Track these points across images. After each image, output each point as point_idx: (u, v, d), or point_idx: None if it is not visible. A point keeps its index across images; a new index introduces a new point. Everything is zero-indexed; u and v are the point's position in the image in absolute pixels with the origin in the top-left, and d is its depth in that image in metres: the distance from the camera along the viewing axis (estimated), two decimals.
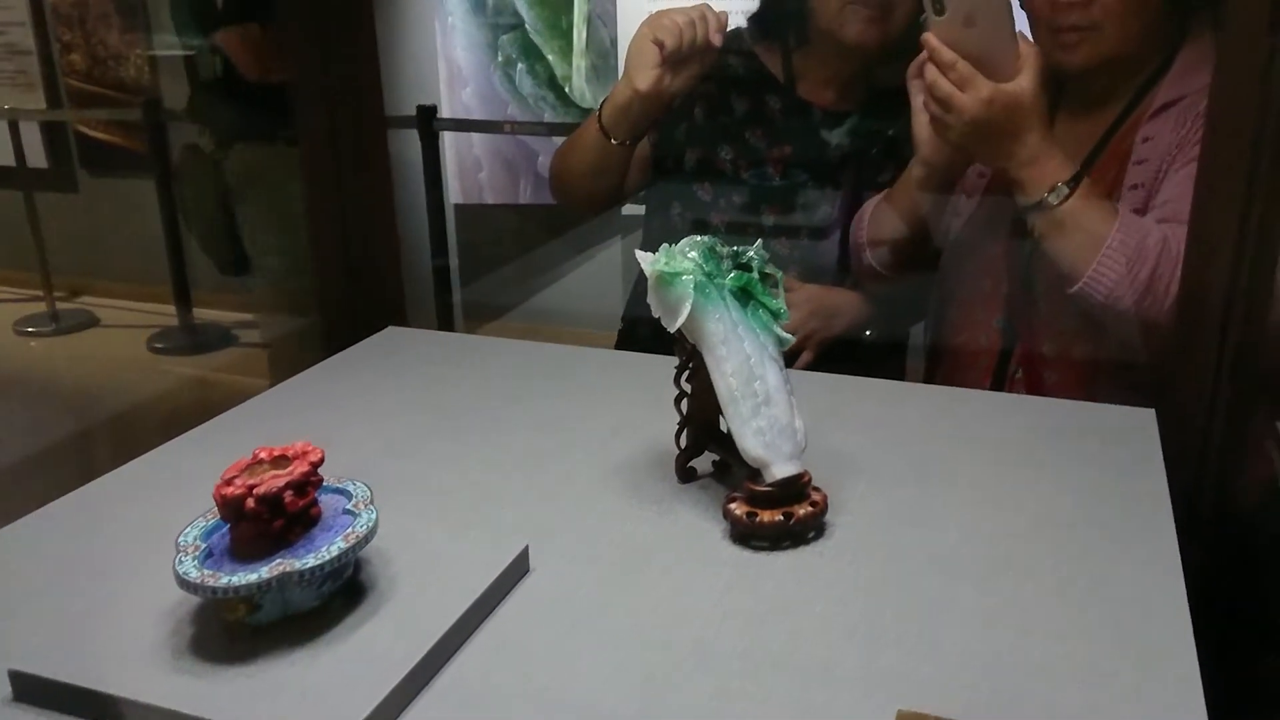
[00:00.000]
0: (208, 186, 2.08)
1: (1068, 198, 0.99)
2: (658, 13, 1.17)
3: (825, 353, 1.30)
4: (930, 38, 0.98)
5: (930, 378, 1.27)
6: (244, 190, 2.05)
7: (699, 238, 0.77)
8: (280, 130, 1.88)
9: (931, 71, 0.98)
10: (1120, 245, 0.98)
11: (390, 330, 1.25)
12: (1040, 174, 0.99)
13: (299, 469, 0.63)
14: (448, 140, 2.68)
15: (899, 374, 1.38)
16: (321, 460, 0.65)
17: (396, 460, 0.89)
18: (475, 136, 2.72)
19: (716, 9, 1.18)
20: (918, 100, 1.05)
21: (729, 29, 1.22)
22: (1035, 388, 1.13)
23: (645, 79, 1.17)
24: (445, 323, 2.27)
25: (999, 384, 1.17)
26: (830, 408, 0.98)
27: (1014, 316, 1.16)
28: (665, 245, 0.76)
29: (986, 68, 0.97)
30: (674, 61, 1.17)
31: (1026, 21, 1.08)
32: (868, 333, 1.33)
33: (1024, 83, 0.97)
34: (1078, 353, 1.10)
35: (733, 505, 0.76)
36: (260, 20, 1.94)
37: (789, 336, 0.77)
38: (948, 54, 0.97)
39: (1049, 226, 1.01)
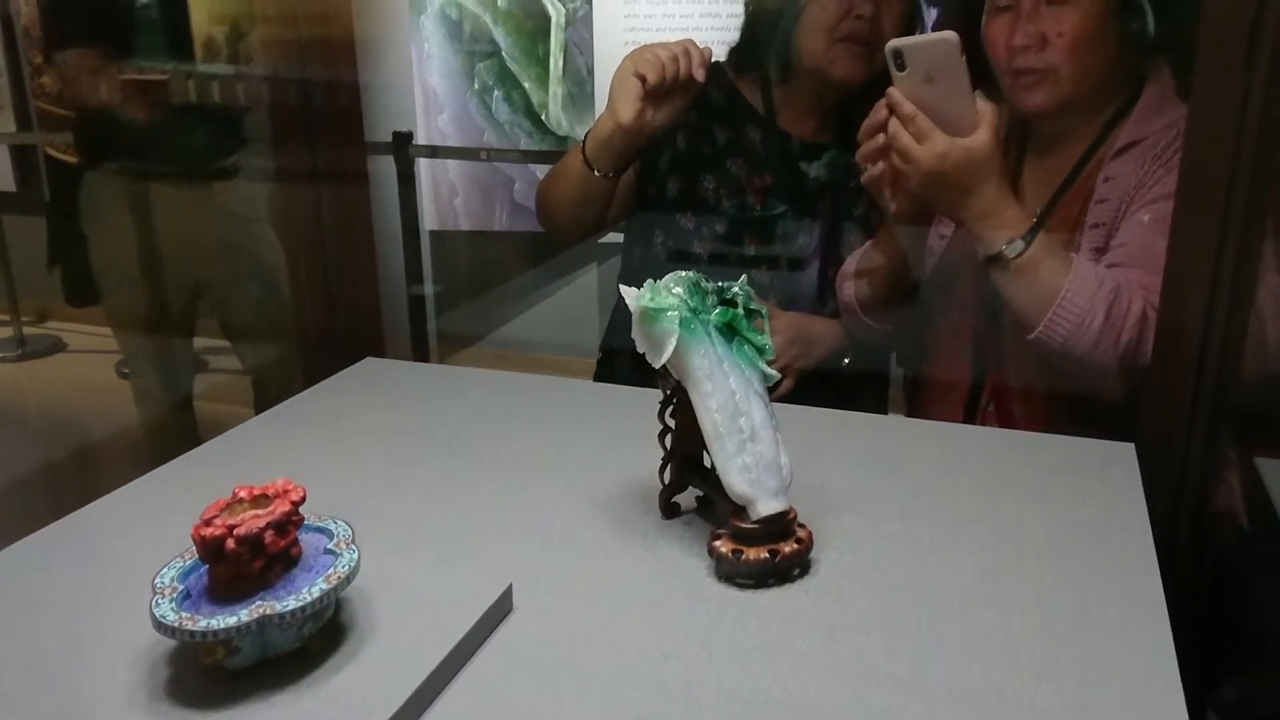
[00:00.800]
0: (71, 211, 2.04)
1: (1023, 251, 1.01)
2: (641, 47, 1.18)
3: (805, 381, 1.30)
4: (893, 92, 1.00)
5: (911, 408, 1.28)
6: (95, 217, 2.00)
7: (684, 273, 0.77)
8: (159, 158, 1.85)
9: (894, 124, 1.00)
10: (1073, 296, 1.00)
11: (369, 361, 1.24)
12: (996, 227, 1.02)
13: (280, 508, 0.62)
14: (423, 166, 2.68)
15: (881, 403, 1.38)
16: (303, 499, 0.64)
17: (377, 495, 0.88)
18: (451, 163, 2.72)
19: (700, 45, 1.19)
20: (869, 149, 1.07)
21: (711, 61, 1.23)
22: (1006, 421, 1.15)
23: (627, 112, 1.17)
24: (420, 351, 2.26)
25: (970, 416, 1.18)
26: (814, 442, 0.98)
27: (983, 351, 1.18)
28: (650, 280, 0.76)
29: (945, 123, 0.99)
30: (656, 96, 1.18)
31: (991, 66, 1.11)
32: (845, 360, 1.34)
33: (980, 138, 0.99)
34: (1046, 387, 1.11)
35: (718, 542, 0.75)
36: (99, 44, 1.90)
37: (774, 373, 0.77)
38: (908, 107, 0.99)
39: (1005, 277, 1.03)
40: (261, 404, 1.65)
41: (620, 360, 1.41)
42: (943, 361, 1.21)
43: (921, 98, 0.99)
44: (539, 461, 0.95)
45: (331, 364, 1.22)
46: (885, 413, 1.36)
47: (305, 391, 1.14)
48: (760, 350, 0.77)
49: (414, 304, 2.36)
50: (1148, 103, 1.09)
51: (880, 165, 1.03)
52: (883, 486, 0.90)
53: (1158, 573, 0.75)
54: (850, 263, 1.26)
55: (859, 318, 1.25)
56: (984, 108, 0.99)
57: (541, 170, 2.59)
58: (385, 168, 2.36)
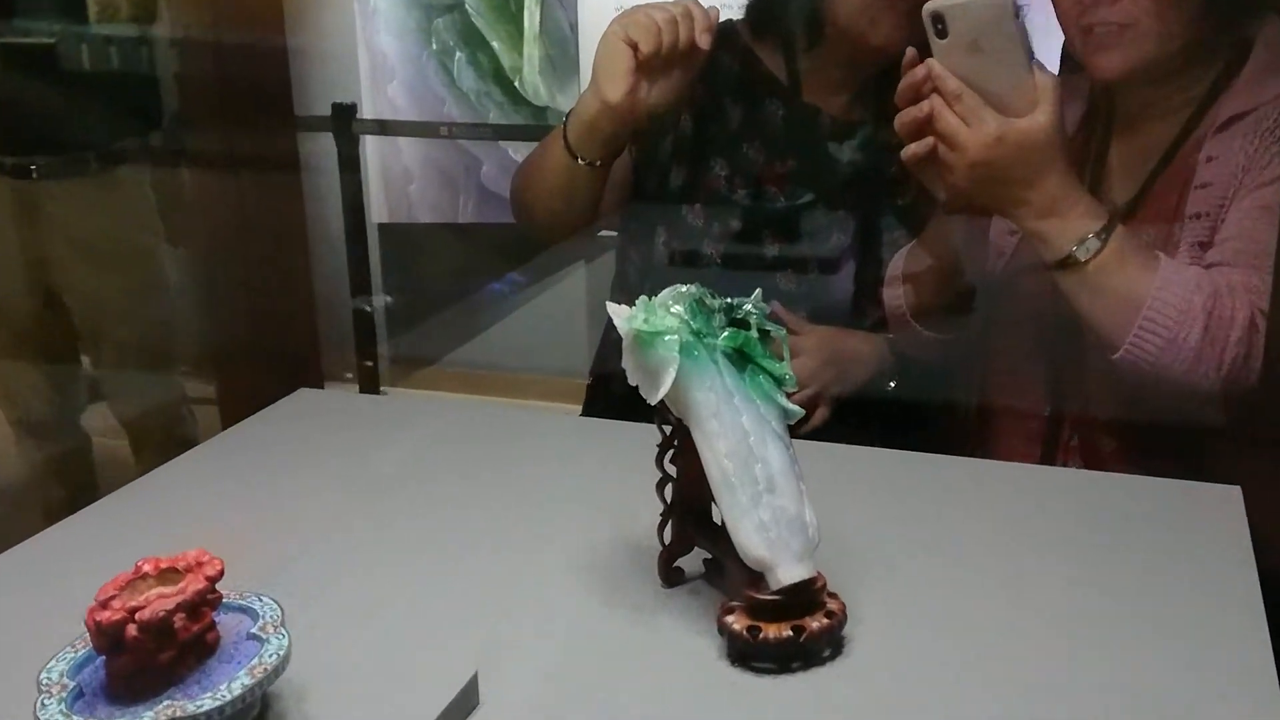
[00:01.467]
0: None
1: (1098, 252, 1.02)
2: (632, 8, 1.18)
3: (841, 411, 1.31)
4: (934, 64, 1.00)
5: (974, 444, 1.29)
6: None
7: (684, 287, 0.78)
8: None
9: (936, 103, 1.01)
10: (1163, 305, 1.00)
11: (303, 393, 1.25)
12: (1063, 226, 1.02)
13: (192, 586, 0.63)
14: (370, 146, 2.69)
15: (936, 439, 1.39)
16: (221, 574, 0.65)
17: (313, 562, 0.89)
18: (404, 142, 2.73)
19: (705, 4, 1.20)
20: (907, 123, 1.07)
21: (722, 20, 1.24)
22: (1092, 457, 1.15)
23: (616, 89, 1.18)
24: (368, 377, 2.27)
25: (1050, 453, 1.18)
26: (851, 489, 0.99)
27: (1064, 372, 1.19)
28: (644, 298, 0.77)
29: (997, 100, 1.00)
30: (652, 68, 1.19)
31: (1058, 23, 1.12)
32: (891, 384, 1.35)
33: (1040, 118, 0.99)
34: (1139, 417, 1.12)
35: (730, 617, 0.76)
36: None
37: (797, 409, 0.78)
38: (952, 82, 1.00)
39: (1078, 287, 1.04)
40: (164, 449, 1.65)
41: (616, 388, 1.42)
42: (1014, 386, 1.21)
43: (968, 70, 0.99)
44: (513, 516, 0.96)
45: (257, 397, 1.23)
46: (942, 450, 1.37)
47: (224, 432, 1.16)
48: (779, 380, 0.78)
49: (360, 318, 2.37)
50: (1256, 68, 1.10)
51: (927, 142, 1.03)
52: (937, 545, 0.91)
53: (1268, 647, 0.76)
54: (895, 264, 1.27)
55: (908, 327, 1.25)
56: (1043, 81, 1.00)
57: (516, 150, 2.61)
58: (322, 149, 2.37)
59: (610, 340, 1.46)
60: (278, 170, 1.56)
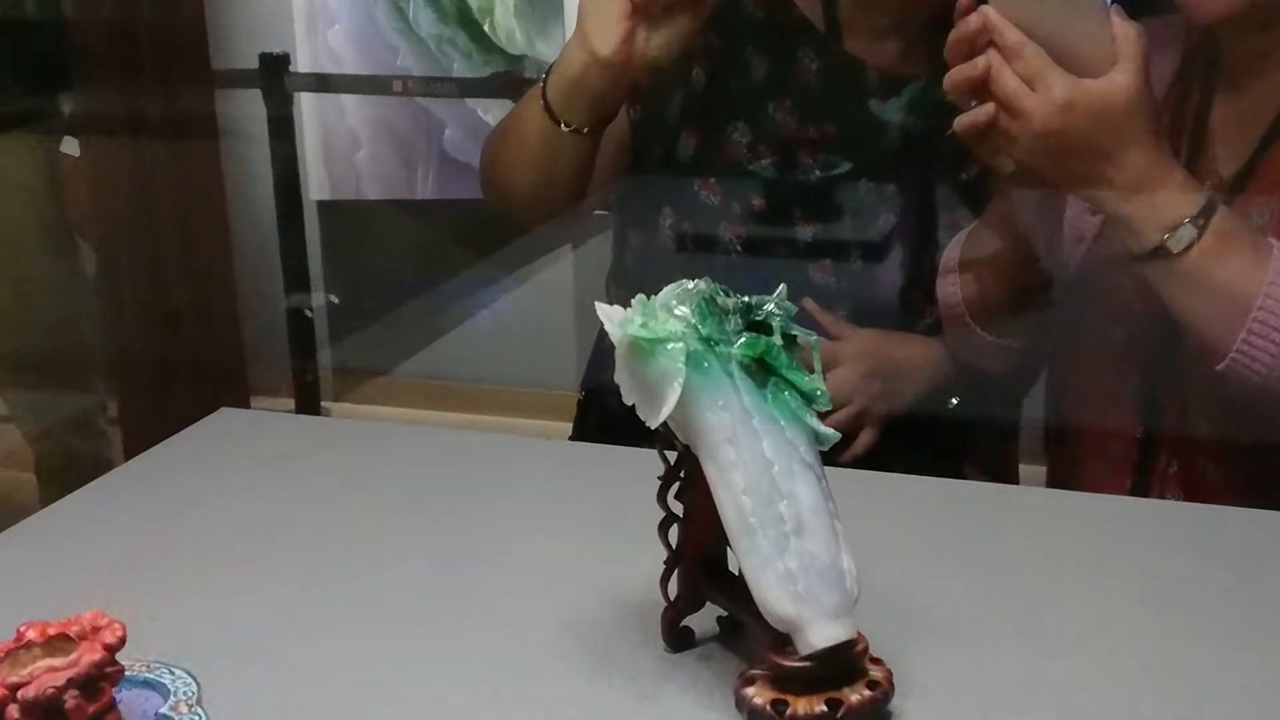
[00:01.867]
0: None
1: (1196, 240, 1.02)
2: None
3: (891, 433, 1.32)
4: (990, 12, 1.01)
5: (1054, 473, 1.29)
6: None
7: (691, 283, 0.78)
8: None
9: (994, 58, 1.01)
10: (1277, 306, 1.01)
11: (224, 413, 1.26)
12: (1151, 209, 1.03)
13: (87, 656, 0.63)
14: (307, 106, 2.70)
15: (1006, 465, 1.40)
16: (122, 641, 0.65)
17: (236, 624, 0.89)
18: (349, 100, 2.74)
19: None
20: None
21: None
22: (1194, 487, 1.16)
23: (608, 40, 1.18)
24: (306, 390, 2.28)
25: (1143, 483, 1.19)
26: (897, 529, 0.99)
27: (1160, 386, 1.19)
28: (641, 297, 0.77)
29: (1067, 57, 1.00)
30: (651, 11, 1.19)
31: None
32: (953, 401, 1.35)
33: (1119, 78, 1.00)
34: (1251, 439, 1.12)
35: (750, 690, 0.76)
36: None
37: (832, 433, 0.78)
38: (1013, 34, 1.00)
39: (1172, 283, 1.04)
40: (62, 483, 1.66)
41: (613, 404, 1.42)
42: (1098, 402, 1.21)
43: (1032, 20, 1.00)
44: (482, 566, 0.96)
45: (168, 417, 1.23)
46: (1015, 480, 1.37)
47: (128, 463, 1.16)
48: (808, 397, 0.78)
49: (296, 319, 2.38)
50: None
51: (985, 108, 1.03)
52: (1006, 597, 0.91)
53: None
54: (951, 251, 1.28)
55: (967, 330, 1.26)
56: (1124, 32, 1.00)
57: (486, 110, 2.62)
58: (247, 110, 2.38)
59: (605, 347, 1.46)
60: (192, 137, 1.56)
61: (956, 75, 1.04)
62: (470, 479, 1.11)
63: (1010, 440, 1.41)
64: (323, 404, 2.52)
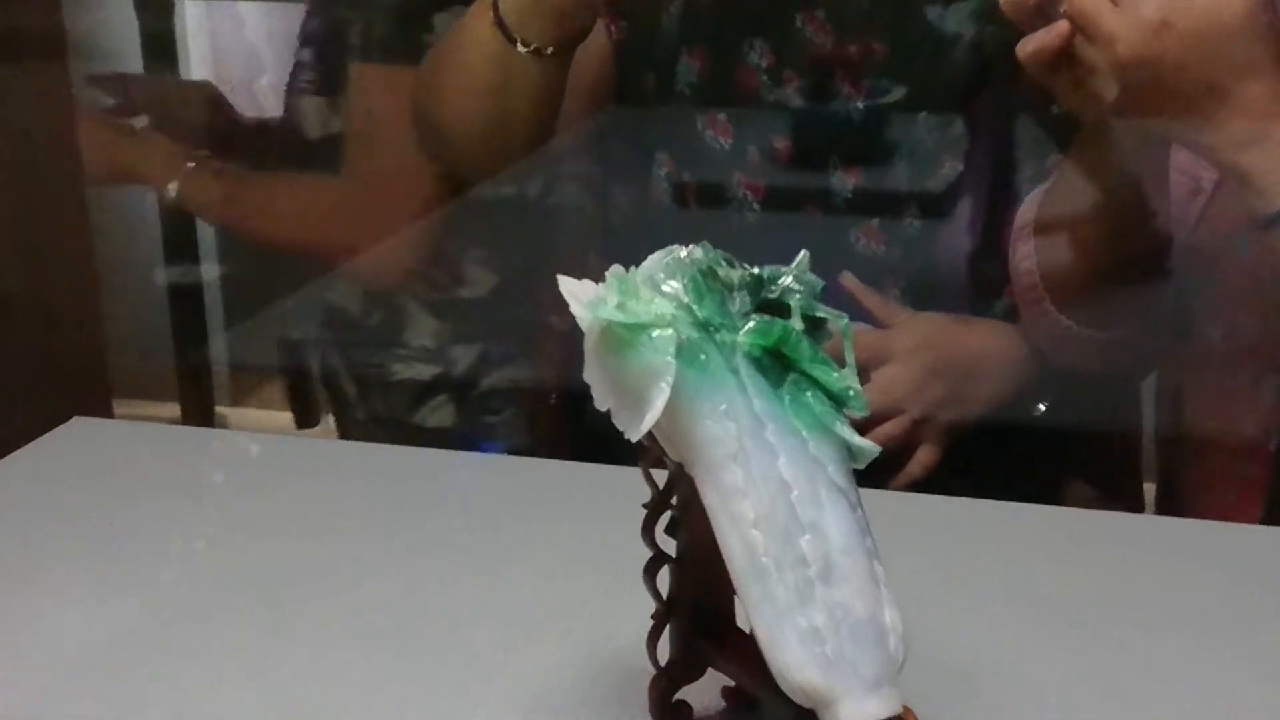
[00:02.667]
0: None
1: None
2: None
3: (959, 445, 1.33)
4: None
5: (1165, 495, 1.30)
6: None
7: (684, 251, 0.78)
8: None
9: None
10: None
11: (77, 424, 1.26)
12: (1273, 160, 1.03)
13: None
14: (191, 14, 2.70)
15: (1104, 490, 1.40)
16: None
17: (94, 707, 0.90)
18: (249, 9, 2.74)
19: None
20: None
21: None
22: None
23: None
24: (194, 391, 2.28)
25: (1277, 509, 1.19)
26: (957, 570, 1.00)
27: None
28: (617, 269, 0.77)
29: None
30: None
31: None
32: (1041, 406, 1.35)
33: None
34: None
35: None
36: None
37: (870, 446, 0.78)
38: None
39: None
40: None
41: (594, 409, 1.43)
42: (1221, 410, 1.22)
43: None
44: (412, 621, 0.97)
45: (8, 430, 1.24)
46: (1114, 505, 1.37)
47: None
48: (839, 399, 0.79)
49: (179, 297, 2.38)
50: None
51: (1057, 29, 1.03)
52: (1099, 656, 0.91)
53: None
54: (1028, 208, 1.28)
55: (1045, 313, 1.26)
56: None
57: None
58: (111, 22, 2.38)
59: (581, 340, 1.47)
60: (33, 57, 1.56)
61: None
62: (407, 505, 1.12)
63: (1128, 456, 1.41)
64: (217, 410, 2.52)
